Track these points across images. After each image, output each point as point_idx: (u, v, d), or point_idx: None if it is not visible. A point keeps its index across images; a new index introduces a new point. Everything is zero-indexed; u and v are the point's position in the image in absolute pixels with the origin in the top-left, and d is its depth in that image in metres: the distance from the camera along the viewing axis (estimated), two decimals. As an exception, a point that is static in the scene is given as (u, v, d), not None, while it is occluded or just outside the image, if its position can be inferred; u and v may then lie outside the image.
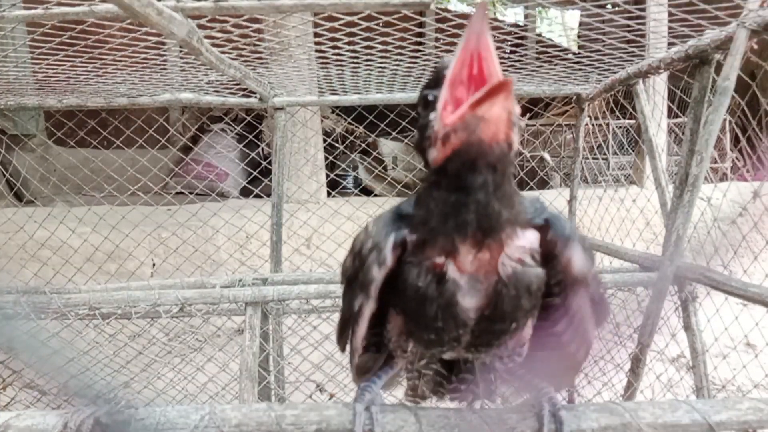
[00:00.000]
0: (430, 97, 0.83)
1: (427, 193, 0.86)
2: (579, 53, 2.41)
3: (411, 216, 0.91)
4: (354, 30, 2.00)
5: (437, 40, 2.41)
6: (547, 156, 6.61)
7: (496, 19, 8.08)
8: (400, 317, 0.98)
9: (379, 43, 2.15)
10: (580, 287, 0.95)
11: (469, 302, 0.87)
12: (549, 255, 0.93)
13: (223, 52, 2.00)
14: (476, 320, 0.88)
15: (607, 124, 5.41)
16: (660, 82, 3.06)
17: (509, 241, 0.85)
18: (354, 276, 0.97)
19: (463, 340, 0.92)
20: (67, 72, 2.34)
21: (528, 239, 0.87)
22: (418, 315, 0.90)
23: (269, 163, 3.08)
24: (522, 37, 7.04)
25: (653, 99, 2.65)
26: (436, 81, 0.82)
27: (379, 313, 1.00)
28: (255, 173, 3.41)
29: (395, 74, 2.61)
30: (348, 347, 1.08)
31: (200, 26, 1.63)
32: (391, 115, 3.27)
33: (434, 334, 0.91)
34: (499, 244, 0.84)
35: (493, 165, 0.78)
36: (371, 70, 2.52)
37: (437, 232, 0.84)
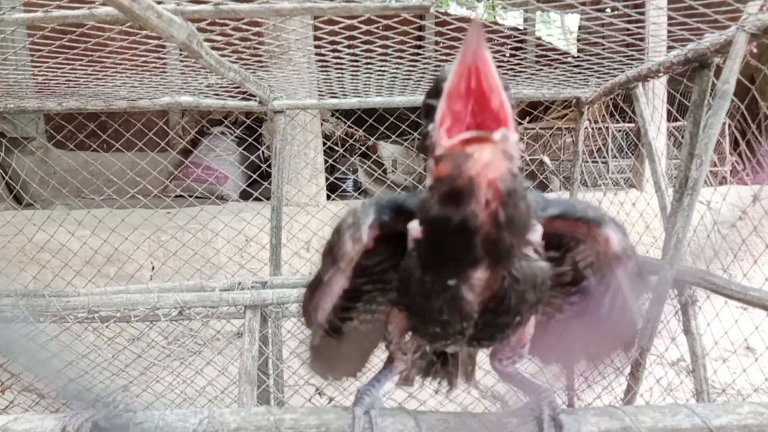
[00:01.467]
0: (431, 108, 0.81)
1: (429, 217, 0.83)
2: (578, 57, 2.41)
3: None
4: (354, 33, 2.00)
5: (437, 43, 2.41)
6: (546, 159, 6.62)
7: (495, 23, 8.08)
8: (403, 314, 0.98)
9: (379, 46, 2.15)
10: (620, 263, 0.96)
11: (474, 296, 0.87)
12: (567, 242, 0.95)
13: (222, 55, 2.00)
14: (480, 313, 0.89)
15: (607, 128, 5.41)
16: (659, 86, 3.07)
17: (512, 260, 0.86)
18: (330, 250, 0.97)
19: (467, 333, 0.92)
20: (67, 75, 2.34)
21: (532, 235, 0.88)
22: (423, 309, 0.90)
23: (269, 166, 3.08)
24: (521, 41, 7.05)
25: (653, 102, 2.65)
26: (436, 91, 0.81)
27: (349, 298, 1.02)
28: (254, 176, 3.41)
29: (395, 77, 2.61)
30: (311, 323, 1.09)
31: (200, 29, 1.63)
32: (391, 119, 3.27)
33: (439, 327, 0.91)
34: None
35: (500, 200, 0.76)
36: (371, 73, 2.52)
37: (448, 261, 0.84)
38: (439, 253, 0.85)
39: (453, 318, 0.89)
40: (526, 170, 5.83)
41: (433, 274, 0.87)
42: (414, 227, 0.90)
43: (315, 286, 1.03)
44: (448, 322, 0.89)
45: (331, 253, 0.96)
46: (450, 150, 0.74)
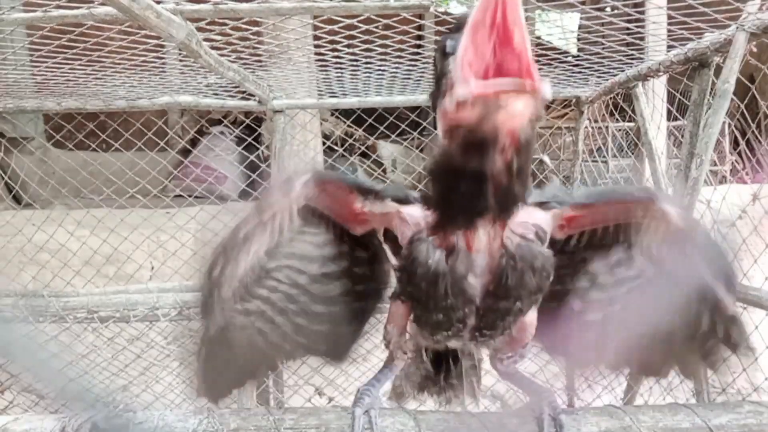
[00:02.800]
0: (448, 48, 0.79)
1: (441, 168, 0.82)
2: (578, 56, 2.41)
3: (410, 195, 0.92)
4: (353, 33, 2.00)
5: (437, 42, 2.40)
6: (546, 159, 6.61)
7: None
8: (402, 310, 0.98)
9: (379, 45, 2.15)
10: (686, 237, 0.93)
11: (475, 278, 0.87)
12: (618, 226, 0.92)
13: (222, 55, 2.00)
14: (482, 297, 0.89)
15: (607, 127, 5.41)
16: (659, 85, 3.06)
17: (513, 216, 0.85)
18: (257, 205, 0.94)
19: (468, 321, 0.92)
20: (66, 75, 2.34)
21: (533, 216, 0.88)
22: (428, 295, 0.90)
23: (268, 165, 3.07)
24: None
25: (653, 102, 2.65)
26: (457, 28, 0.79)
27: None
28: (254, 176, 3.40)
29: (395, 77, 2.61)
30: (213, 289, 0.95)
31: (199, 29, 1.63)
32: (391, 118, 3.27)
33: (442, 314, 0.91)
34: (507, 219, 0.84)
35: (505, 149, 0.75)
36: (370, 72, 2.52)
37: (456, 211, 0.83)
38: (447, 204, 0.83)
39: (456, 301, 0.89)
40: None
41: (443, 238, 0.85)
42: (411, 213, 0.91)
43: (228, 244, 0.93)
44: (452, 307, 0.90)
45: (257, 206, 0.91)
46: (480, 96, 0.71)
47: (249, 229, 0.92)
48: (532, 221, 0.88)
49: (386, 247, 1.02)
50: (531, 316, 0.99)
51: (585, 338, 1.03)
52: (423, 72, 2.53)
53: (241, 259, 0.93)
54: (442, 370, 1.22)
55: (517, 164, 0.77)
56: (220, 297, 0.95)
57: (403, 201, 0.94)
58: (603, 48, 2.17)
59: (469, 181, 0.78)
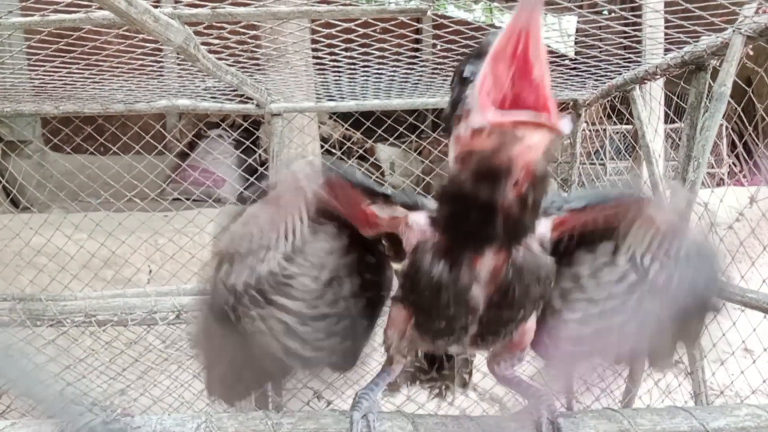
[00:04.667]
0: (466, 73, 0.79)
1: (451, 193, 0.82)
2: (576, 59, 2.41)
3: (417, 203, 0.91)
4: (351, 36, 2.00)
5: (434, 46, 2.41)
6: (544, 161, 6.61)
7: (492, 25, 8.08)
8: (404, 314, 0.98)
9: (376, 49, 2.15)
10: (676, 236, 0.93)
11: (479, 288, 0.87)
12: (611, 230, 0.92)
13: (219, 59, 2.00)
14: (486, 307, 0.89)
15: (604, 130, 5.42)
16: (656, 88, 3.07)
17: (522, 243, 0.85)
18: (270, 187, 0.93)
19: (470, 329, 0.92)
20: (64, 78, 2.34)
21: (536, 226, 0.88)
22: (431, 303, 0.90)
23: (266, 169, 3.07)
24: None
25: (650, 105, 2.66)
26: (477, 55, 0.78)
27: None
28: (252, 179, 3.40)
29: (392, 80, 2.62)
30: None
31: (197, 33, 1.63)
32: (389, 121, 3.27)
33: (445, 322, 0.91)
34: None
35: (530, 181, 0.76)
36: (368, 76, 2.52)
37: (464, 239, 0.83)
38: (455, 229, 0.83)
39: (459, 311, 0.89)
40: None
41: (448, 255, 0.85)
42: (417, 221, 0.90)
43: (239, 242, 0.91)
44: (455, 316, 0.90)
45: (271, 189, 0.90)
46: (497, 126, 0.71)
47: (264, 208, 0.91)
48: (537, 232, 0.88)
49: (388, 251, 1.02)
50: (531, 321, 0.99)
51: (564, 339, 1.03)
52: (421, 75, 2.54)
53: (254, 246, 0.91)
54: (435, 364, 1.22)
55: (531, 198, 0.77)
56: (229, 296, 0.93)
57: (412, 207, 0.94)
58: (600, 51, 2.18)
59: (480, 210, 0.78)
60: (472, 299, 0.88)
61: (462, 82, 0.80)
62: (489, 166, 0.74)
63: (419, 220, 0.91)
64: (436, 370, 1.23)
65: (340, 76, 2.57)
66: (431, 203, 0.91)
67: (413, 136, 5.25)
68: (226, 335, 0.97)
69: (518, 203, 0.77)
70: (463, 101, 0.78)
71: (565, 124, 0.69)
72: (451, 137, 0.82)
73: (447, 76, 2.61)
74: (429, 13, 1.65)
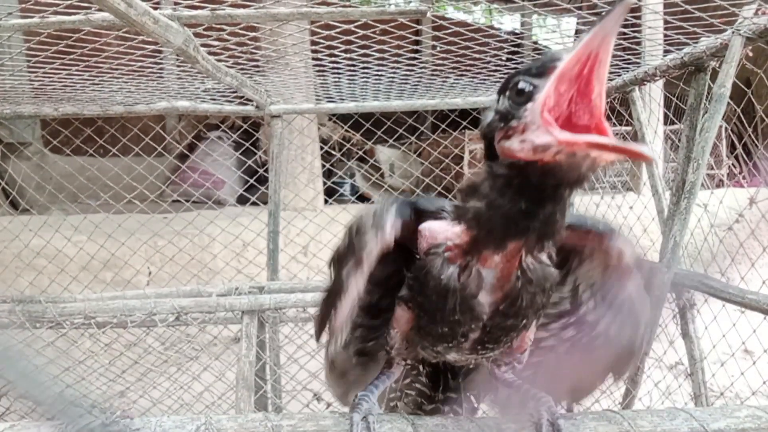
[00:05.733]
0: (527, 87, 0.79)
1: (490, 189, 0.83)
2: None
3: (441, 209, 0.92)
4: (351, 38, 2.00)
5: (434, 47, 2.41)
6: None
7: (492, 27, 8.10)
8: (407, 317, 0.98)
9: (376, 51, 2.16)
10: (630, 276, 0.97)
11: (486, 296, 0.89)
12: (574, 254, 0.95)
13: (219, 60, 2.00)
14: (490, 315, 0.91)
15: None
16: (656, 89, 3.07)
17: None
18: (345, 252, 0.96)
19: (471, 336, 0.93)
20: (64, 80, 2.34)
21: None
22: (436, 308, 0.91)
23: (266, 170, 3.08)
24: (519, 45, 7.06)
25: (649, 106, 2.66)
26: (539, 71, 0.79)
27: (371, 315, 1.00)
28: (252, 181, 3.40)
29: (392, 82, 2.62)
30: (326, 334, 1.05)
31: (197, 35, 1.63)
32: (388, 123, 3.27)
33: (448, 327, 0.92)
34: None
35: (575, 186, 0.79)
36: (368, 77, 2.52)
37: (495, 231, 0.84)
38: (489, 222, 0.84)
39: (464, 317, 0.90)
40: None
41: (463, 256, 0.87)
42: (429, 227, 0.91)
43: (331, 297, 0.99)
44: (459, 321, 0.91)
45: (349, 253, 0.94)
46: (564, 144, 0.73)
47: (348, 271, 0.94)
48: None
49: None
50: (531, 329, 1.00)
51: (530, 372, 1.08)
52: (420, 77, 2.54)
53: (345, 302, 0.97)
54: (439, 386, 1.22)
55: (570, 202, 0.81)
56: (333, 326, 1.03)
57: (426, 214, 0.95)
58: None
59: (524, 211, 0.80)
60: (478, 306, 0.89)
61: (518, 94, 0.80)
62: (549, 177, 0.76)
63: (431, 226, 0.92)
64: (442, 391, 1.22)
65: (339, 78, 2.57)
66: (447, 204, 0.94)
67: (413, 138, 5.26)
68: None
69: (561, 207, 0.81)
70: (519, 115, 0.79)
71: (646, 150, 0.71)
72: (496, 144, 0.83)
73: (446, 77, 2.61)
74: (429, 14, 1.65)
